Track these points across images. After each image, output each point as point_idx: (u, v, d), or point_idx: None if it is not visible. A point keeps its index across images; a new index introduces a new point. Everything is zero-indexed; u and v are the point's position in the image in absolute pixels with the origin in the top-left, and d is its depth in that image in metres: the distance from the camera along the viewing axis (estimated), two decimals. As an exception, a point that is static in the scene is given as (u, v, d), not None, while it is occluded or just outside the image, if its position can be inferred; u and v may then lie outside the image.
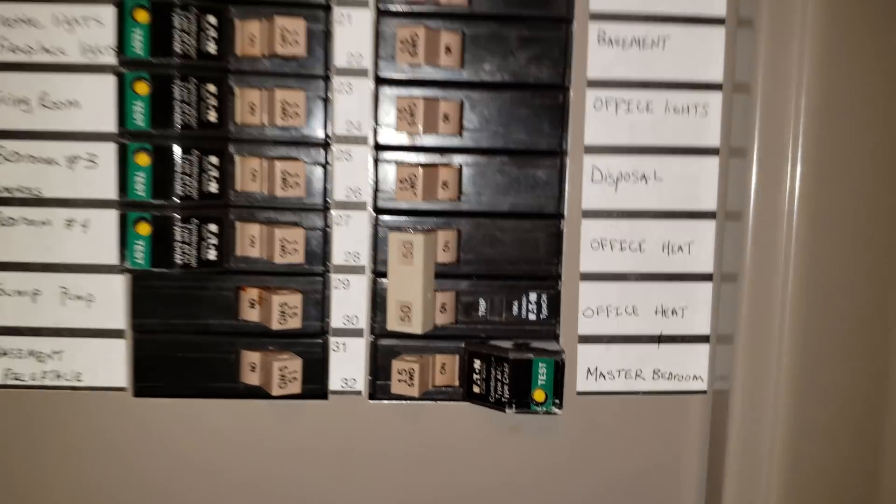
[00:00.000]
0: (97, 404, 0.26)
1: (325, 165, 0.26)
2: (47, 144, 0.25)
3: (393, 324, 0.25)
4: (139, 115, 0.24)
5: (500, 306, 0.27)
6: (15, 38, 0.25)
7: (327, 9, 0.25)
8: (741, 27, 0.26)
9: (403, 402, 0.26)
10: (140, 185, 0.24)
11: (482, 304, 0.27)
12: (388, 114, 0.26)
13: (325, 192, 0.25)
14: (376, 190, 0.26)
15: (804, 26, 0.24)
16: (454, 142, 0.26)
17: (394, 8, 0.25)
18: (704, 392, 0.27)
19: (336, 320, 0.26)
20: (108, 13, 0.25)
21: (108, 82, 0.25)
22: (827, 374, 0.25)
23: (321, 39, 0.25)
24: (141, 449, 0.27)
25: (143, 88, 0.23)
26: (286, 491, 0.27)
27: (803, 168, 0.24)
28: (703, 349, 0.27)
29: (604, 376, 0.27)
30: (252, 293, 0.26)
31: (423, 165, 0.25)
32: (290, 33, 0.24)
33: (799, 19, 0.24)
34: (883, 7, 0.24)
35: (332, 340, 0.26)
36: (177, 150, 0.24)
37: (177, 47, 0.23)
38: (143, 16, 0.23)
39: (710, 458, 0.27)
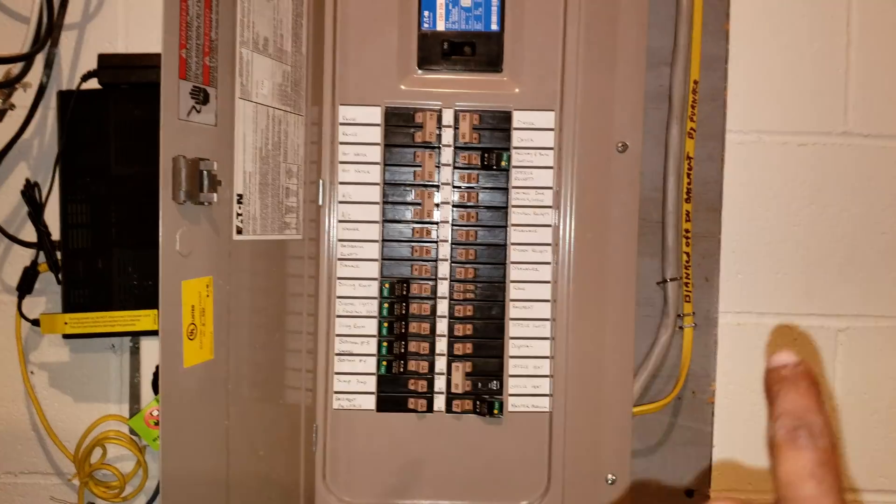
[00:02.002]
0: (365, 416, 0.88)
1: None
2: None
3: (454, 389, 0.87)
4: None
5: (485, 386, 0.88)
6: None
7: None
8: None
9: (459, 414, 0.88)
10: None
11: (479, 384, 0.88)
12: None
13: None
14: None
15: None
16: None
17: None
18: (549, 412, 0.88)
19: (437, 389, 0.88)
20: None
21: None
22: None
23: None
24: (380, 429, 0.88)
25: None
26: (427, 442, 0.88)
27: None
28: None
29: (517, 407, 0.88)
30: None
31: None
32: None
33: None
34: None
35: (434, 398, 0.88)
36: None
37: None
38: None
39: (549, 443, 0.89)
